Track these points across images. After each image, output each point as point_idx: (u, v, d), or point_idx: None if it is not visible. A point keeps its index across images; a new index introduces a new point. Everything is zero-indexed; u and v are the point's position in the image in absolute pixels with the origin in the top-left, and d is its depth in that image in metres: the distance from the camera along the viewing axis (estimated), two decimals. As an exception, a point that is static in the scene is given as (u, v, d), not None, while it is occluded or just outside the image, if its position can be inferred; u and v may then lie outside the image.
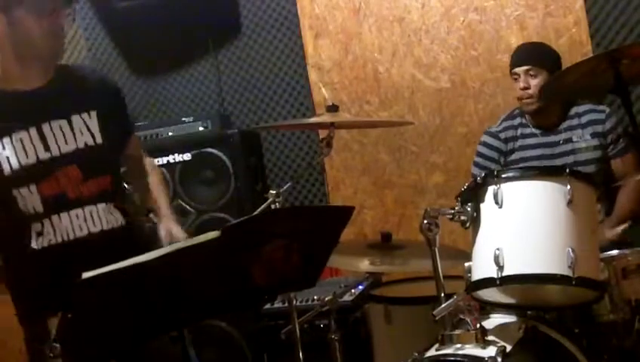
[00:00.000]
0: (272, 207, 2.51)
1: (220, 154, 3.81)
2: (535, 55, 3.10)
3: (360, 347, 3.00)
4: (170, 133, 3.95)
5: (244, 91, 4.22)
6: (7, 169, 2.11)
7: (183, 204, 3.81)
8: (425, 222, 2.04)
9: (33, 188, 2.11)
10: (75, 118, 2.18)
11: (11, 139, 2.11)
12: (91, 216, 2.17)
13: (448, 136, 3.80)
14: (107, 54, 4.36)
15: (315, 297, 3.12)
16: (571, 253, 1.91)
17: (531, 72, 3.04)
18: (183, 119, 3.98)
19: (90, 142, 2.18)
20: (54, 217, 2.13)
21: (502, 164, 3.16)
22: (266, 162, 4.20)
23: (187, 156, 3.83)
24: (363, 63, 3.93)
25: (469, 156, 3.43)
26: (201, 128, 3.93)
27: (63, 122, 2.16)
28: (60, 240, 2.14)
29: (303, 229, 1.75)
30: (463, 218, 2.06)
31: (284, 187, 2.58)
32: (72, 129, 2.17)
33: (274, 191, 2.53)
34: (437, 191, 3.82)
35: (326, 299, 2.61)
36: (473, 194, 2.07)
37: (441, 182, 3.81)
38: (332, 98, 3.89)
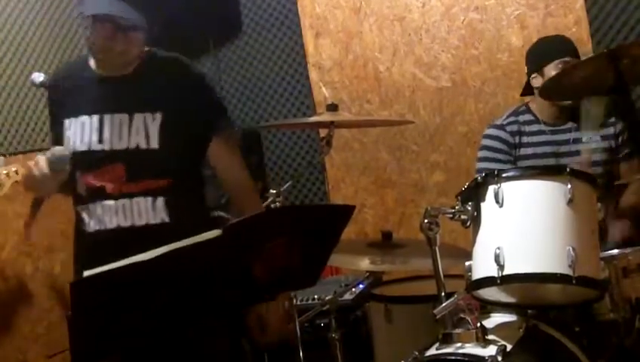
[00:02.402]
0: (273, 206, 2.51)
1: (220, 153, 3.81)
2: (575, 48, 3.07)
3: (360, 346, 3.00)
4: (170, 132, 3.94)
5: (244, 90, 4.23)
6: (70, 148, 2.15)
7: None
8: (425, 221, 2.04)
9: (79, 175, 2.16)
10: (137, 116, 2.14)
11: (76, 120, 2.16)
12: (123, 209, 2.13)
13: (449, 135, 3.80)
14: (108, 53, 4.36)
15: (316, 296, 3.12)
16: (572, 252, 1.91)
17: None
18: (184, 118, 3.98)
19: (143, 144, 2.13)
20: (91, 205, 2.16)
21: (513, 156, 3.07)
22: (266, 161, 4.20)
23: (188, 155, 3.82)
24: (363, 62, 3.93)
25: (469, 155, 3.43)
26: (201, 127, 3.93)
27: (124, 117, 2.14)
28: (92, 229, 2.16)
29: (303, 228, 1.74)
30: (463, 217, 2.06)
31: (285, 186, 2.58)
32: (130, 126, 2.14)
33: (274, 190, 2.53)
34: (437, 190, 3.82)
35: (326, 297, 2.62)
36: (474, 193, 2.06)
37: (442, 181, 3.81)
38: (332, 97, 3.89)
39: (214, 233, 1.54)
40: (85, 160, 2.15)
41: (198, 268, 1.61)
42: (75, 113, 2.17)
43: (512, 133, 3.07)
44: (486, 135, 3.15)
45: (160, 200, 2.15)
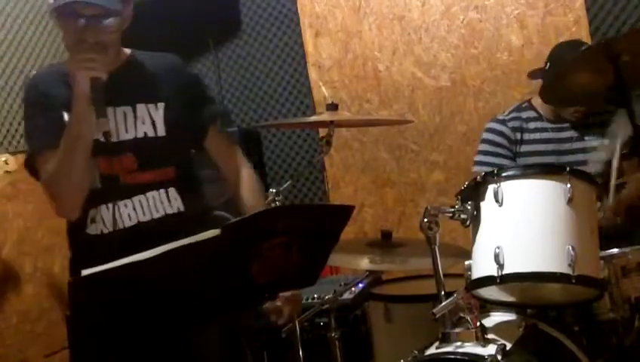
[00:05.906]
0: (272, 205, 2.50)
1: (220, 152, 3.80)
2: None
3: (360, 345, 3.00)
4: (170, 132, 3.94)
5: (244, 89, 4.23)
6: None
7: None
8: (425, 220, 2.04)
9: (91, 160, 2.04)
10: (140, 107, 2.12)
11: None
12: (140, 204, 2.10)
13: (448, 135, 3.80)
14: (107, 52, 4.36)
15: (315, 295, 3.12)
16: (571, 251, 1.91)
17: None
18: (183, 117, 3.98)
19: (150, 132, 2.11)
20: (102, 207, 2.07)
21: (513, 152, 3.05)
22: (265, 160, 4.20)
23: (187, 154, 3.82)
24: (363, 62, 3.93)
25: (468, 154, 3.43)
26: (201, 126, 3.92)
27: (128, 109, 2.10)
28: (109, 229, 2.08)
29: (303, 228, 1.74)
30: (463, 216, 2.06)
31: (284, 185, 2.58)
32: (135, 117, 2.10)
33: (274, 190, 2.53)
34: (437, 189, 3.82)
35: (326, 297, 2.61)
36: (473, 193, 2.06)
37: (441, 181, 3.81)
38: (332, 96, 3.89)
39: (213, 232, 1.54)
40: (95, 148, 2.04)
41: (196, 268, 1.61)
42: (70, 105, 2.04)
43: (514, 129, 3.06)
44: (487, 128, 3.12)
45: (172, 191, 2.15)
